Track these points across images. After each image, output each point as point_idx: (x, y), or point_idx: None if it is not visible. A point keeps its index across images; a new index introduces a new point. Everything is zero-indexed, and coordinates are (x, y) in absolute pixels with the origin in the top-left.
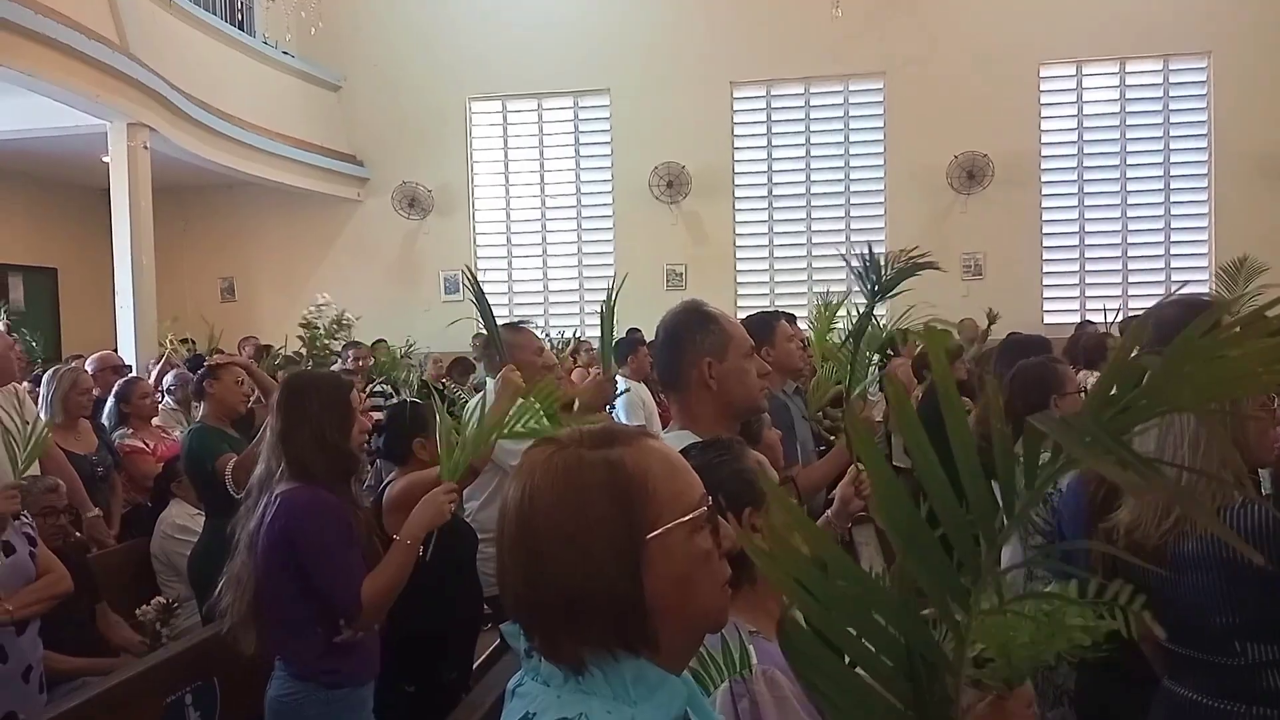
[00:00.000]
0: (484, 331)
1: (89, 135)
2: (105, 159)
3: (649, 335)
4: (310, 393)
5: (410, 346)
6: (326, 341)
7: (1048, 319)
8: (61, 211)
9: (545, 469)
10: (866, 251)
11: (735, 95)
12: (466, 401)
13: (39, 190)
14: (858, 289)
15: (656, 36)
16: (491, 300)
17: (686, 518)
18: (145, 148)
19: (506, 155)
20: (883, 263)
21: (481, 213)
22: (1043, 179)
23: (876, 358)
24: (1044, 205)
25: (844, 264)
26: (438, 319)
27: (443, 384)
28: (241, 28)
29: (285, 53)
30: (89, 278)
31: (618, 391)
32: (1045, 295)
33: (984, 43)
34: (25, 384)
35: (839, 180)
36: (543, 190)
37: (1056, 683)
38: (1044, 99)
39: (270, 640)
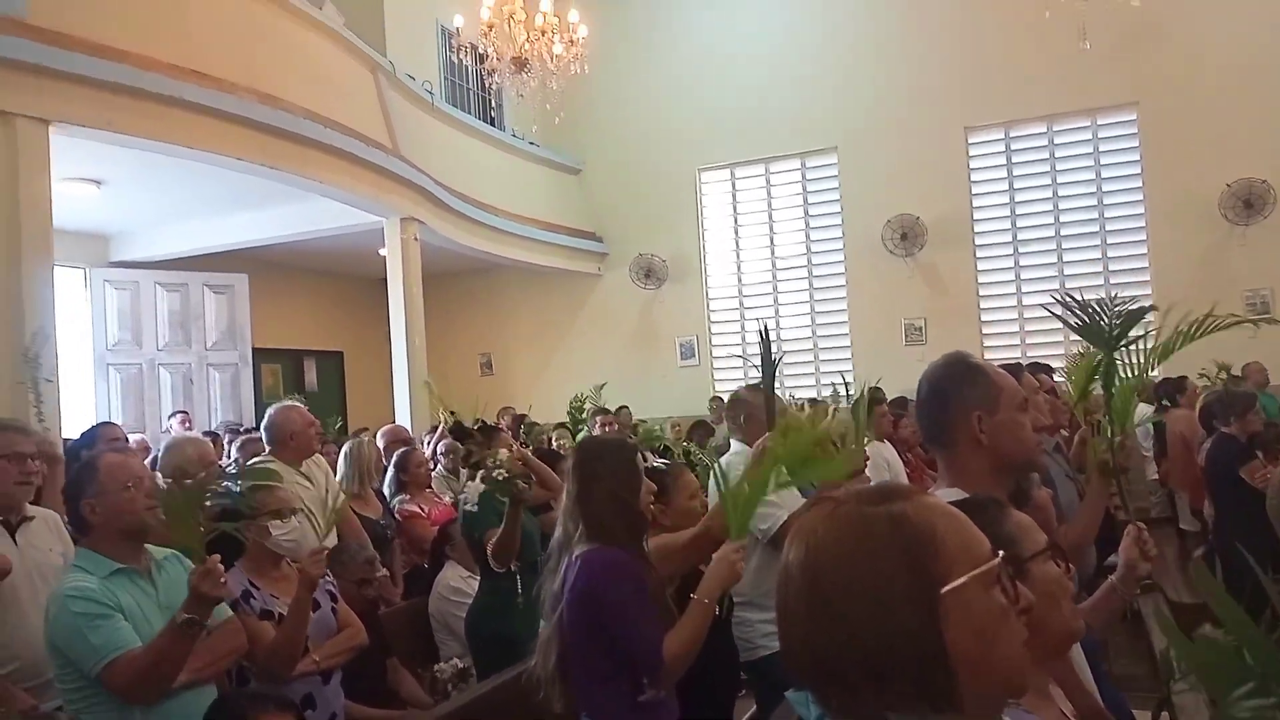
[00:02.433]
0: (720, 396)
1: (368, 231)
2: (381, 252)
3: (890, 393)
4: (603, 456)
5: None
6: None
7: None
8: (345, 300)
9: (828, 526)
10: (1102, 301)
11: (970, 140)
12: (709, 465)
13: (327, 283)
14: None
15: (883, 89)
16: (725, 364)
17: (980, 570)
18: (415, 240)
19: (736, 220)
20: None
21: (714, 278)
22: None
23: (1151, 409)
24: None
25: (1072, 313)
26: (675, 384)
27: (684, 447)
28: (492, 123)
29: (531, 143)
30: (370, 359)
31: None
32: None
33: (1250, 57)
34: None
35: (1092, 220)
36: (773, 252)
37: None
38: None
39: (577, 696)
